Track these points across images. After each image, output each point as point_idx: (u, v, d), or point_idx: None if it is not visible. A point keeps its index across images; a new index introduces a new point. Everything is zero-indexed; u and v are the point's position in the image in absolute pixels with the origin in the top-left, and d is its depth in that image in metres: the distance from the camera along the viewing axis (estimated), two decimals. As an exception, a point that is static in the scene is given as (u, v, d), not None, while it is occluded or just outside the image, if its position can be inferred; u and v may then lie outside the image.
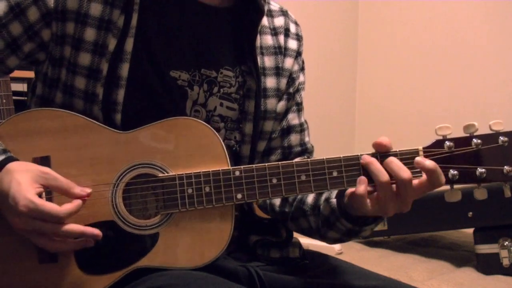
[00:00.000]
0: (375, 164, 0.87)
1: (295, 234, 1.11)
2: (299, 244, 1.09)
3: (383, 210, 0.88)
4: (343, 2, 3.74)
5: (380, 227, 2.60)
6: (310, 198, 1.03)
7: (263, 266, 1.01)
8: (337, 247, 2.53)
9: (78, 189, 0.88)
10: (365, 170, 0.89)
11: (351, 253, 2.54)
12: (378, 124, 3.62)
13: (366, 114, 3.77)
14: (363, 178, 0.88)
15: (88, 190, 0.88)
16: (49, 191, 0.89)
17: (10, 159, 0.88)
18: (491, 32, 3.17)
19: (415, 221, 2.50)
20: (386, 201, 0.87)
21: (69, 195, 0.87)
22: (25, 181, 0.83)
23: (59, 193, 0.88)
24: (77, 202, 0.86)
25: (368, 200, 0.87)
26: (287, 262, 1.05)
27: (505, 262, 2.16)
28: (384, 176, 0.86)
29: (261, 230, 1.08)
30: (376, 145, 0.90)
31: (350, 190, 0.91)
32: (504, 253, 2.17)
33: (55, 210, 0.83)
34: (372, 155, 0.90)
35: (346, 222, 0.95)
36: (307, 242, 2.43)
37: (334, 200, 0.97)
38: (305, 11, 3.44)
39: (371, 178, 0.88)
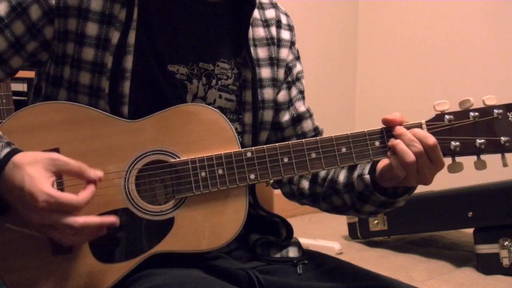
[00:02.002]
0: (400, 145, 0.92)
1: (295, 234, 1.11)
2: (298, 244, 1.09)
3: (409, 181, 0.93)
4: (343, 2, 3.74)
5: (380, 227, 2.60)
6: (342, 177, 1.06)
7: (262, 267, 1.02)
8: (337, 247, 2.53)
9: (91, 172, 0.86)
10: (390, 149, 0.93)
11: (351, 253, 2.54)
12: (378, 124, 3.61)
13: (366, 114, 3.77)
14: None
15: (100, 174, 0.86)
16: (59, 176, 0.87)
17: (15, 151, 0.85)
18: (491, 32, 3.17)
19: (415, 221, 2.49)
20: (409, 175, 0.92)
21: (82, 178, 0.85)
22: (37, 173, 0.82)
23: (72, 177, 0.86)
24: (91, 187, 0.85)
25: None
26: (287, 262, 1.05)
27: (505, 262, 2.16)
28: (409, 157, 0.90)
29: (262, 229, 1.09)
30: (387, 122, 0.95)
31: (380, 164, 0.95)
32: (504, 253, 2.17)
33: (75, 199, 0.82)
34: (385, 130, 0.95)
35: (380, 195, 0.98)
36: (307, 242, 2.44)
37: (367, 176, 1.00)
38: (305, 11, 3.45)
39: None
